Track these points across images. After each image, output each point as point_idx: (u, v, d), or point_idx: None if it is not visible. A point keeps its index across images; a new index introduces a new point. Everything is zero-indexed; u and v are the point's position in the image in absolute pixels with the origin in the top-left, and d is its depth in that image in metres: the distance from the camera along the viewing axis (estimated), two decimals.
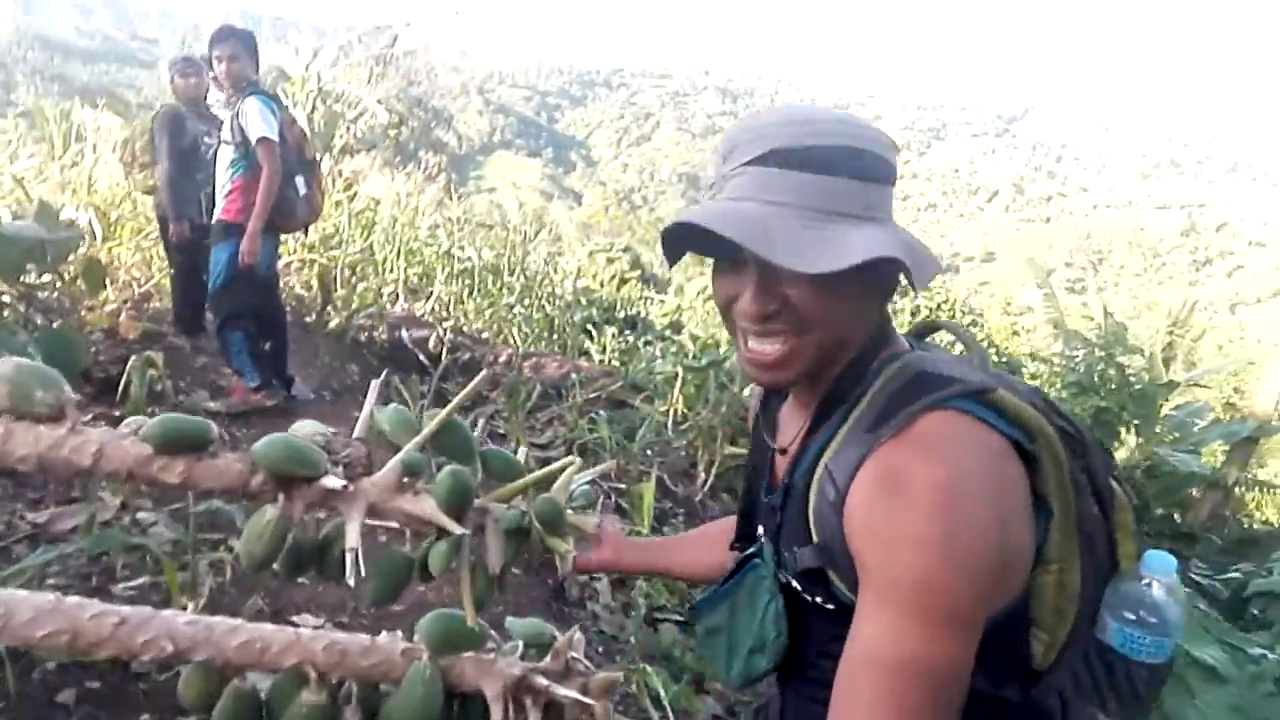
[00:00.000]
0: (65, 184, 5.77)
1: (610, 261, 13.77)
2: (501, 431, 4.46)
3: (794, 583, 0.91)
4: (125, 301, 4.56)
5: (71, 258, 3.50)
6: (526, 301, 7.55)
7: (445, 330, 5.79)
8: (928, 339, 0.99)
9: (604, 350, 6.87)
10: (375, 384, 1.22)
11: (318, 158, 4.17)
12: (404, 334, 5.71)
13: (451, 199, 11.44)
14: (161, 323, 4.46)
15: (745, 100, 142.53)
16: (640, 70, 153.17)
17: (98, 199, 5.38)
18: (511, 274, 8.23)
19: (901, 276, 0.85)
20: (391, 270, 6.99)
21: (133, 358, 2.45)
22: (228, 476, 1.10)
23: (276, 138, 3.66)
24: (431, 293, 6.93)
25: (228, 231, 3.75)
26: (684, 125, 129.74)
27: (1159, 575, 0.84)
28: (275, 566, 1.13)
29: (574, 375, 5.34)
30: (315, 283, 5.93)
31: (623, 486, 4.06)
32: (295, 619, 2.20)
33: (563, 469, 1.19)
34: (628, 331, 7.82)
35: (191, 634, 1.08)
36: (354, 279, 6.46)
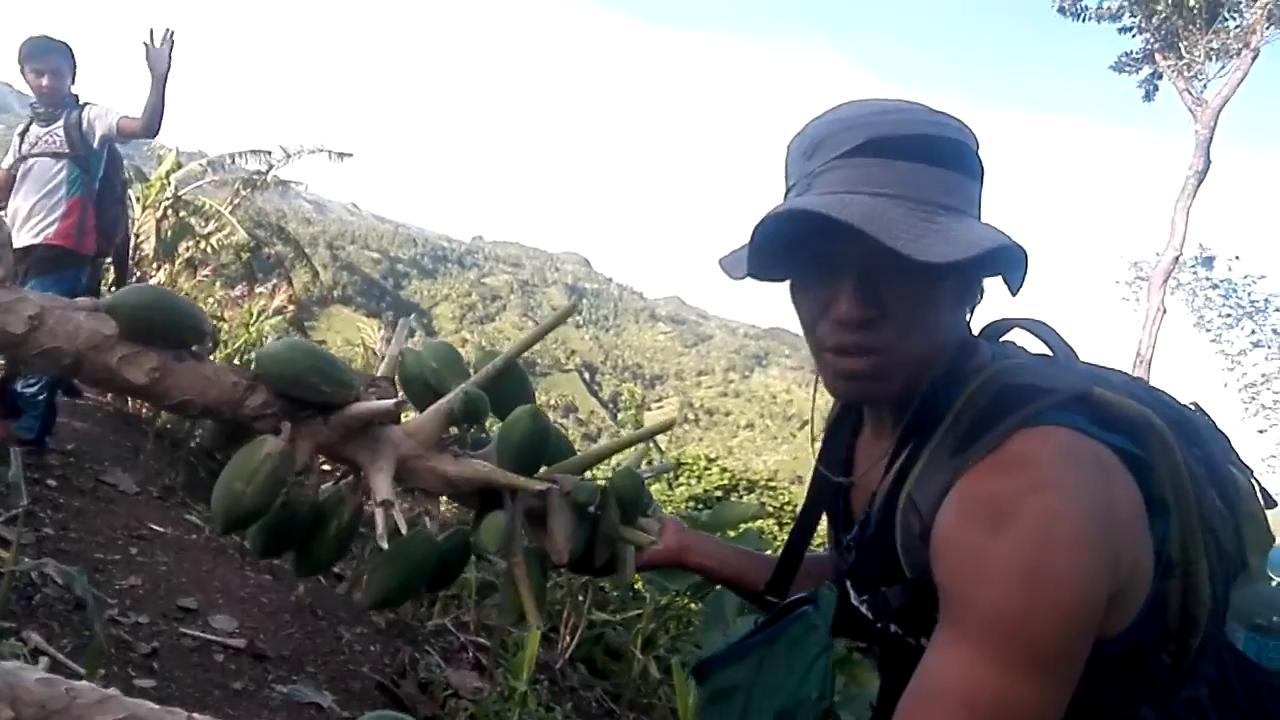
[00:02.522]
0: None
1: None
2: (338, 571, 3.98)
3: (894, 629, 0.82)
4: None
5: None
6: None
7: None
8: (1002, 340, 0.90)
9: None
10: (405, 322, 1.00)
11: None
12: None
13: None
14: None
15: (590, 300, 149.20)
16: (493, 255, 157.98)
17: None
18: None
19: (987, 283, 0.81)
20: None
21: None
22: (216, 388, 0.80)
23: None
24: None
25: (62, 260, 3.38)
26: (529, 313, 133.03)
27: None
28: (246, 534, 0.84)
29: (426, 519, 4.95)
30: None
31: (482, 640, 3.67)
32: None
33: (655, 430, 0.99)
34: None
35: (44, 698, 0.75)
36: None
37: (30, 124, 3.59)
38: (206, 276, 10.27)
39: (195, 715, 0.78)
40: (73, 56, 3.61)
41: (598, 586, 4.30)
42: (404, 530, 0.77)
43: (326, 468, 0.90)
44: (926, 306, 0.76)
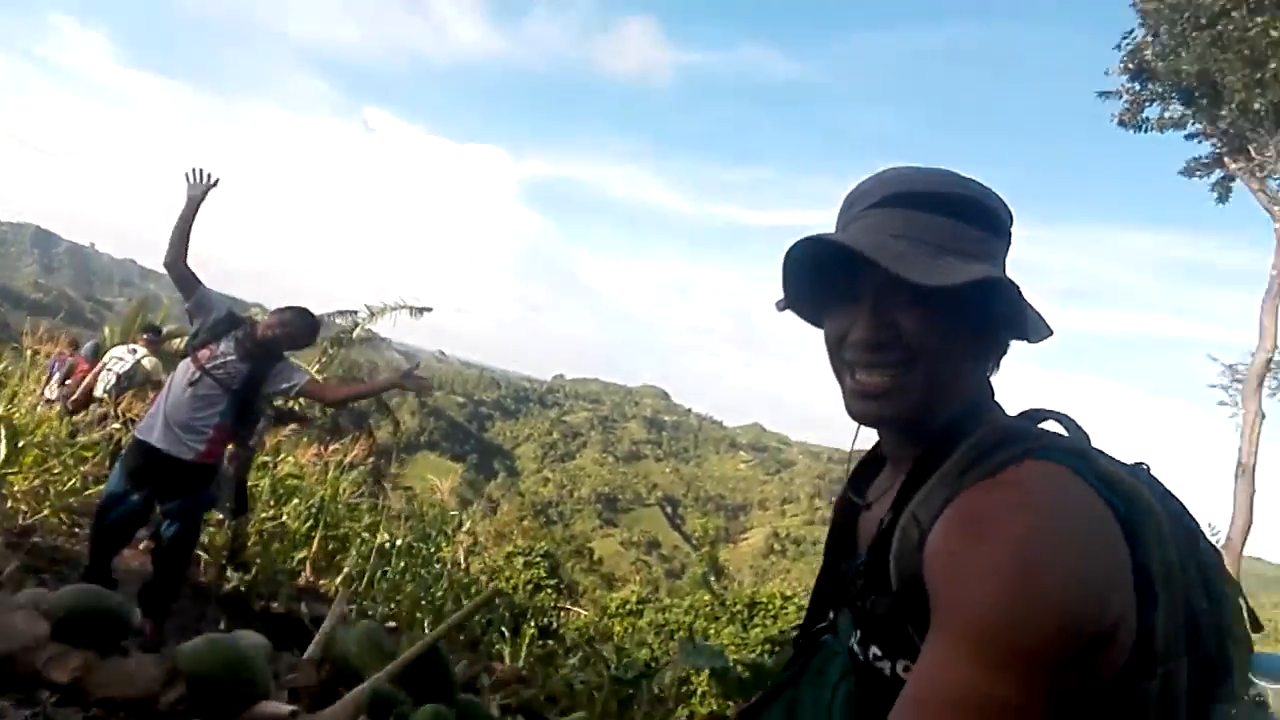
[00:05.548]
0: None
1: (528, 566, 13.29)
2: None
3: (873, 651, 0.82)
4: (10, 529, 4.12)
5: None
6: (439, 592, 7.11)
7: (350, 611, 5.35)
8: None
9: (519, 655, 6.38)
10: (343, 595, 1.04)
11: None
12: (304, 609, 5.25)
13: (381, 484, 11.22)
14: (38, 559, 4.01)
15: (670, 431, 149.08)
16: (573, 392, 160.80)
17: (15, 418, 5.10)
18: (425, 564, 7.83)
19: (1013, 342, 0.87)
20: (304, 541, 6.59)
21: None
22: (137, 684, 0.87)
23: None
24: (343, 569, 6.50)
25: (204, 478, 3.82)
26: (610, 448, 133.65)
27: (1269, 678, 0.74)
28: None
29: (485, 677, 4.89)
30: (219, 540, 5.54)
31: None
32: None
33: (476, 607, 0.98)
34: (540, 639, 7.36)
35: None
36: (262, 544, 6.05)
37: (220, 340, 3.80)
38: (290, 433, 10.75)
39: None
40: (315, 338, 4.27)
41: None
42: None
43: None
44: (937, 335, 0.82)
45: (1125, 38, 12.62)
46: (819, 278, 0.87)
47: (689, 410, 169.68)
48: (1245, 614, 0.82)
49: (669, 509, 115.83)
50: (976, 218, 0.85)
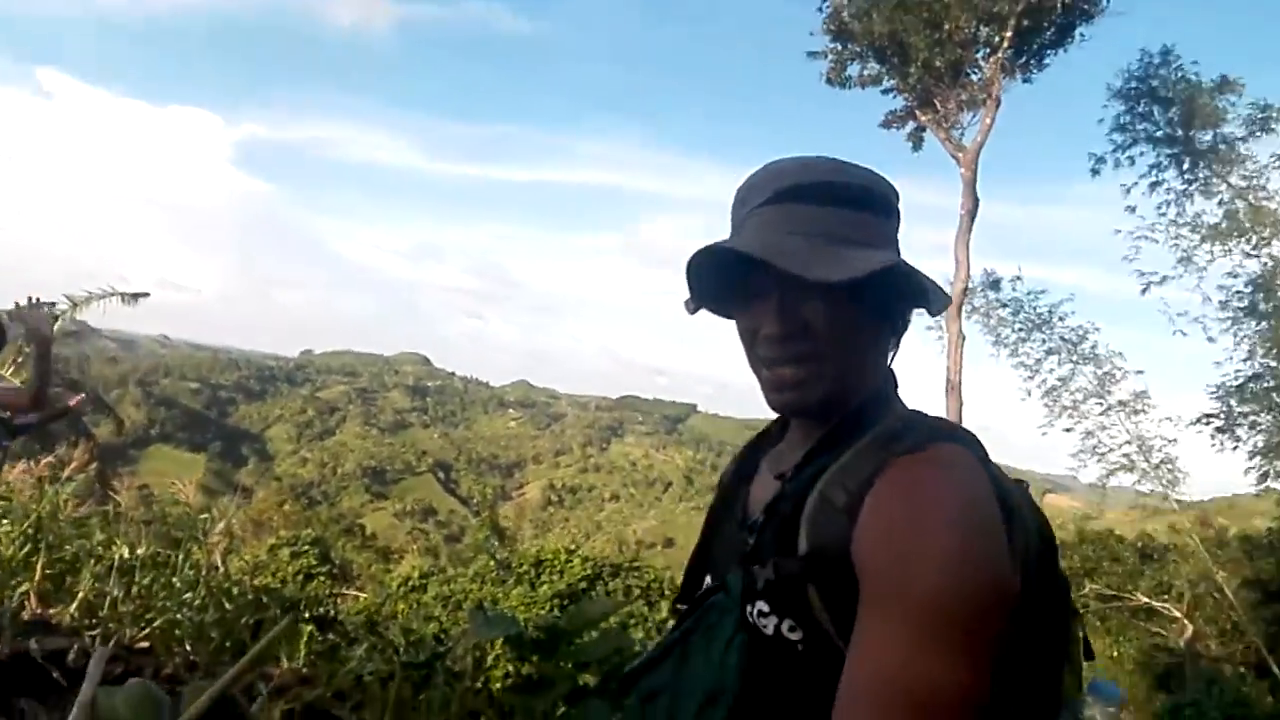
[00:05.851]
0: None
1: (296, 555, 12.52)
2: None
3: (759, 608, 0.82)
4: None
5: None
6: (197, 602, 6.50)
7: (93, 640, 4.76)
8: None
9: (297, 653, 6.02)
10: (101, 651, 0.93)
11: None
12: (34, 645, 4.60)
13: (110, 490, 9.99)
14: None
15: (435, 397, 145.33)
16: (325, 367, 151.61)
17: None
18: (176, 573, 7.12)
19: (913, 316, 0.93)
20: (23, 569, 5.72)
21: None
22: None
23: None
24: (77, 594, 5.74)
25: None
26: (372, 420, 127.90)
27: (1102, 703, 0.84)
28: None
29: (262, 685, 4.59)
30: None
31: None
32: None
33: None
34: (319, 633, 6.99)
35: None
36: None
37: None
38: None
39: None
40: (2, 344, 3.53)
41: None
42: None
43: None
44: (841, 323, 0.86)
45: (825, 1, 13.68)
46: (724, 279, 0.89)
47: (452, 374, 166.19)
48: (1082, 642, 0.90)
49: (442, 474, 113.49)
50: (866, 204, 0.88)
